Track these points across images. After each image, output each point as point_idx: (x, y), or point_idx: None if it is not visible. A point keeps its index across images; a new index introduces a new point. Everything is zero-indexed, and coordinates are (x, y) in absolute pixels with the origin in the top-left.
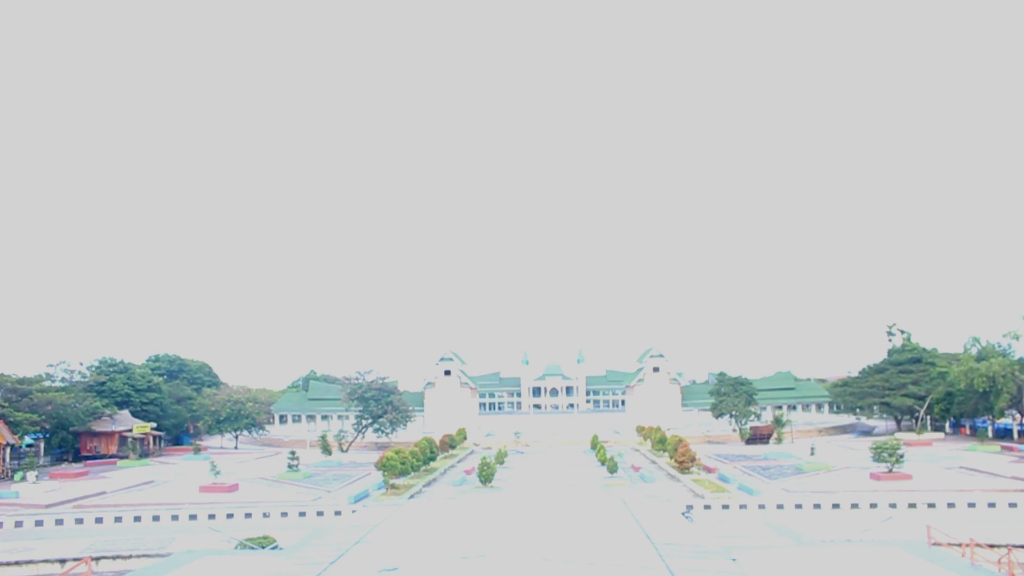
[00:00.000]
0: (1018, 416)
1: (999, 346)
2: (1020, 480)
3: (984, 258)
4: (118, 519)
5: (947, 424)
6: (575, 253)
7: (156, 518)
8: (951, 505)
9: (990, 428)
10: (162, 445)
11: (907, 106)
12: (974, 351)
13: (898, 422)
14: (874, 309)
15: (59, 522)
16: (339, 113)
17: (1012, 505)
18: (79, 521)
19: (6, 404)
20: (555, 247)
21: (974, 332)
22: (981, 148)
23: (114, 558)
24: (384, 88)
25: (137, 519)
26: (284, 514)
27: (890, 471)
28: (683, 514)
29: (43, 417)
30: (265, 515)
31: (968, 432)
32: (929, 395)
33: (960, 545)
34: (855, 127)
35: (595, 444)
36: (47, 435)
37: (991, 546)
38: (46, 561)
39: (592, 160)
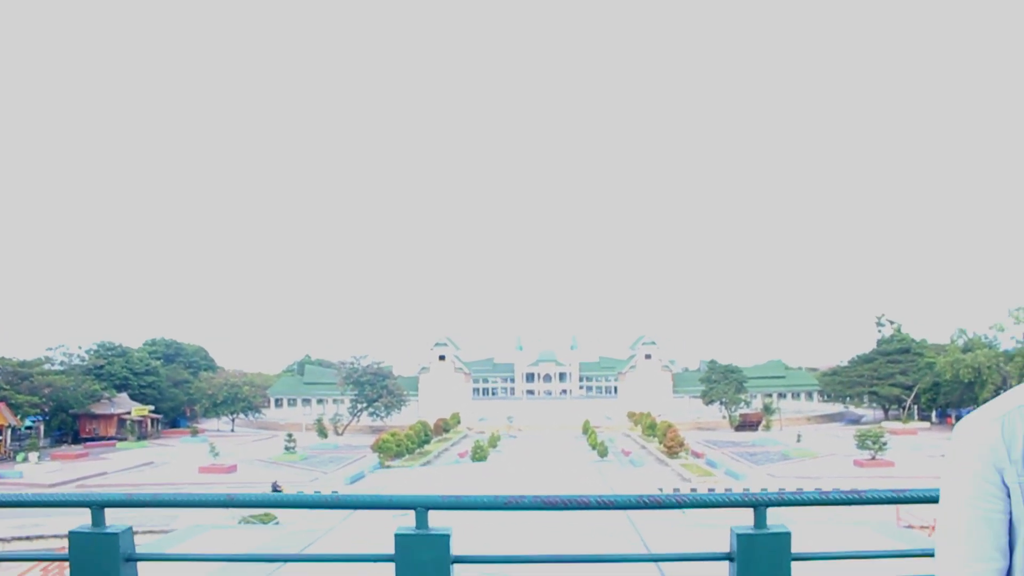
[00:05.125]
0: None
1: (985, 338)
2: None
3: (973, 250)
4: None
5: (933, 414)
6: (569, 240)
7: None
8: None
9: None
10: (160, 428)
11: (901, 98)
12: (960, 342)
13: (886, 411)
14: (864, 299)
15: None
16: (335, 88)
17: None
18: None
19: (7, 387)
20: (550, 234)
21: (962, 324)
22: (972, 140)
23: None
24: (379, 64)
25: None
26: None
27: (873, 458)
28: (659, 488)
29: (43, 400)
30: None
31: (954, 422)
32: (916, 385)
33: (929, 528)
34: (847, 117)
35: (587, 429)
36: (47, 417)
37: None
38: (56, 536)
39: (587, 145)
